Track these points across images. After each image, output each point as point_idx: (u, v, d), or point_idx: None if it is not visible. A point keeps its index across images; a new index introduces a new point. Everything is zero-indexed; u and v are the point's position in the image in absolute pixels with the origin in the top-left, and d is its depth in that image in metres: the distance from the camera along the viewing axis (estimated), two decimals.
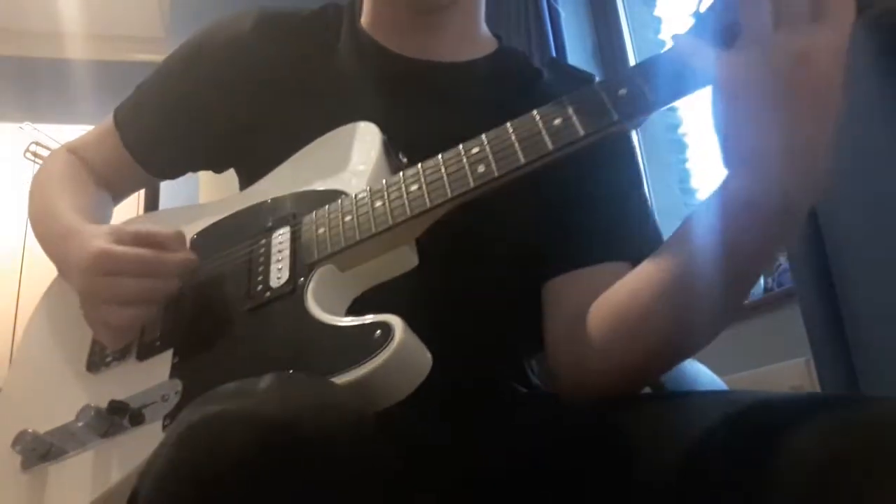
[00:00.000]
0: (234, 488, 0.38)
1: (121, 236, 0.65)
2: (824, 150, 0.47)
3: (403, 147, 0.71)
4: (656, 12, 2.46)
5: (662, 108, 0.56)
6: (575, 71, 0.89)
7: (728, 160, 0.51)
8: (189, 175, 0.95)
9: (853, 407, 0.45)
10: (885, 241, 1.11)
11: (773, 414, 0.48)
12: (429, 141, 0.64)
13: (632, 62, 2.41)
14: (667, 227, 2.44)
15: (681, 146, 2.29)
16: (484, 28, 0.87)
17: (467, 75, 0.82)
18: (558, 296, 0.72)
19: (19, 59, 3.56)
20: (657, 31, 2.44)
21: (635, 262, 0.65)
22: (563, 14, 2.36)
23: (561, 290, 0.72)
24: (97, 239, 0.65)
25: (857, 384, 1.15)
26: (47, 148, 2.39)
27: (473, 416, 0.70)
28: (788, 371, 1.36)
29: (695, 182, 2.24)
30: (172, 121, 0.86)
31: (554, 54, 2.28)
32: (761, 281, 1.64)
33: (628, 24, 2.46)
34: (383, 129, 0.71)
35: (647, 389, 0.70)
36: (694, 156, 2.27)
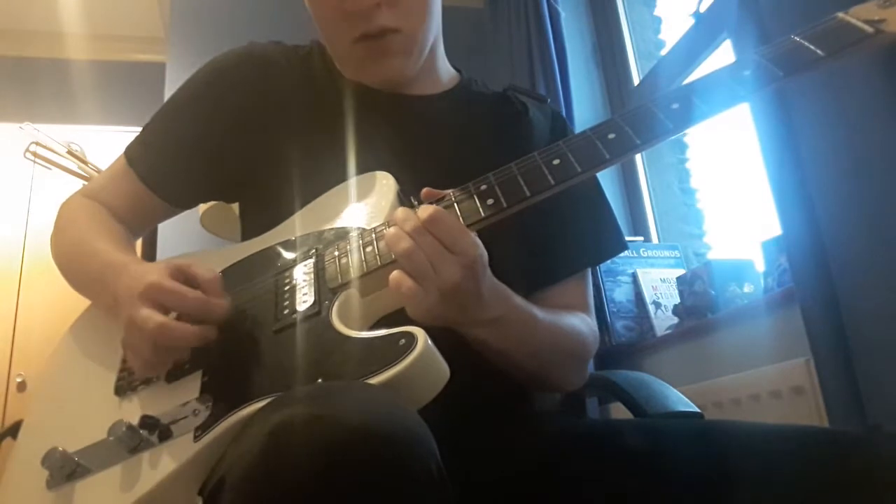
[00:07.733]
0: (322, 475, 0.43)
1: (173, 271, 0.70)
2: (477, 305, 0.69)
3: (404, 175, 0.78)
4: (656, 12, 2.46)
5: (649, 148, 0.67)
6: (531, 92, 1.02)
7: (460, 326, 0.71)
8: (189, 217, 0.98)
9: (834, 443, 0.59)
10: (885, 242, 1.11)
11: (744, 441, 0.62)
12: (424, 165, 0.74)
13: (632, 62, 2.41)
14: (667, 227, 2.43)
15: (681, 146, 2.29)
16: (446, 64, 0.98)
17: (442, 106, 0.93)
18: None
19: (19, 59, 3.56)
20: (657, 31, 2.44)
21: (593, 262, 0.95)
22: (563, 14, 2.37)
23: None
24: (151, 273, 0.70)
25: (857, 384, 1.15)
26: (47, 148, 2.38)
27: (470, 437, 0.74)
28: (788, 371, 1.36)
29: (695, 182, 2.24)
30: (183, 151, 0.90)
31: (554, 54, 2.28)
32: (761, 281, 1.64)
33: (628, 24, 2.46)
34: (380, 155, 0.80)
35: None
36: (694, 156, 2.27)
